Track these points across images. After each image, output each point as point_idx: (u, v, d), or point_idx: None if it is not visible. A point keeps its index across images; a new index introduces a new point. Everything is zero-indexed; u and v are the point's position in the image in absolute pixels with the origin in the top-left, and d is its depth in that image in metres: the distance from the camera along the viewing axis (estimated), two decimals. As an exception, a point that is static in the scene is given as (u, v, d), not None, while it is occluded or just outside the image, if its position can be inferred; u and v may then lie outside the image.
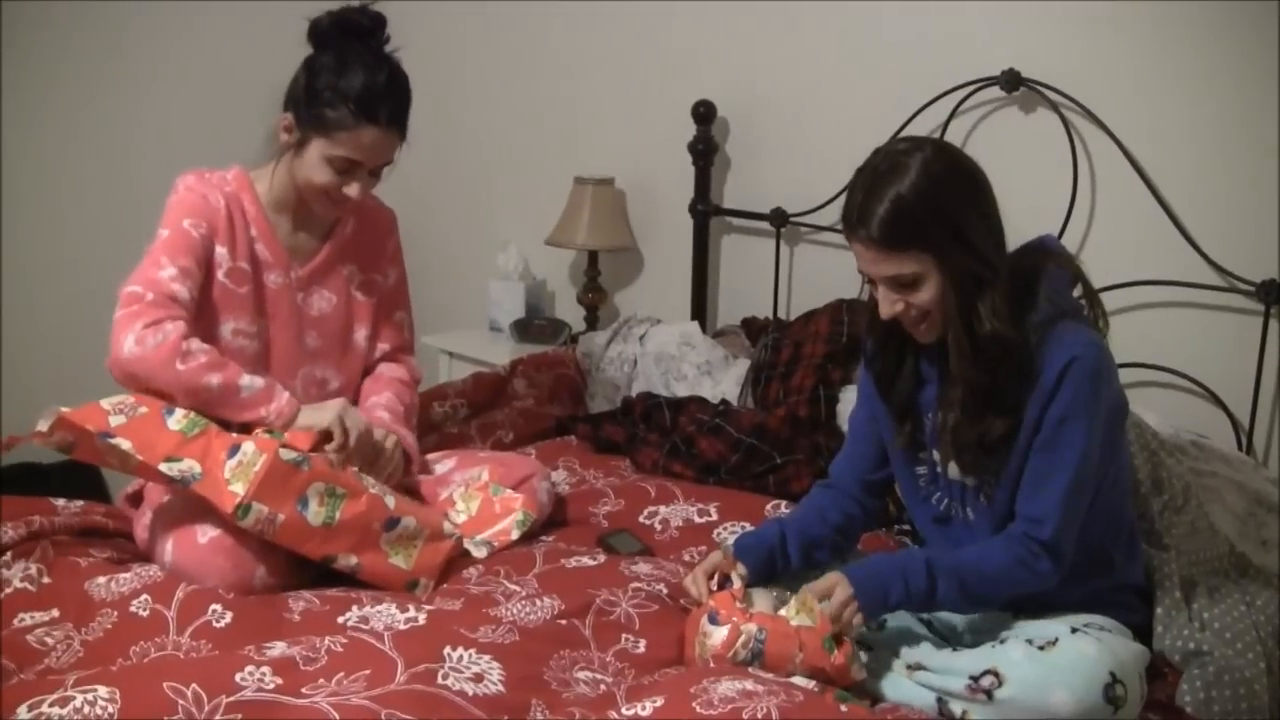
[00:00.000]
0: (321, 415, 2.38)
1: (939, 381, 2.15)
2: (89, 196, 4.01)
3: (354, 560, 2.26)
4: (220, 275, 2.47)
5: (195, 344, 2.33)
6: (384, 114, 2.41)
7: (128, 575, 2.22)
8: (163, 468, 2.20)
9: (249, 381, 2.35)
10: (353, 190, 2.46)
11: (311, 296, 2.59)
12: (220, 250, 2.47)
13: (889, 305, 2.06)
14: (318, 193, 2.48)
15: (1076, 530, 2.06)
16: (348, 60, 2.41)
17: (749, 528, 2.41)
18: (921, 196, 1.97)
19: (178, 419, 2.27)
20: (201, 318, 2.45)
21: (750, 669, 1.97)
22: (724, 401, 3.17)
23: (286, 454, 2.21)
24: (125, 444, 2.20)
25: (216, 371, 2.33)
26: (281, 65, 2.51)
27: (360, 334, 2.67)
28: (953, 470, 2.16)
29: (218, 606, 2.10)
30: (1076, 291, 2.16)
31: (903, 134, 3.19)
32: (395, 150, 2.50)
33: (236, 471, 2.19)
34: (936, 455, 2.18)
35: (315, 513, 2.22)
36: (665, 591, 2.26)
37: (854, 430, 2.36)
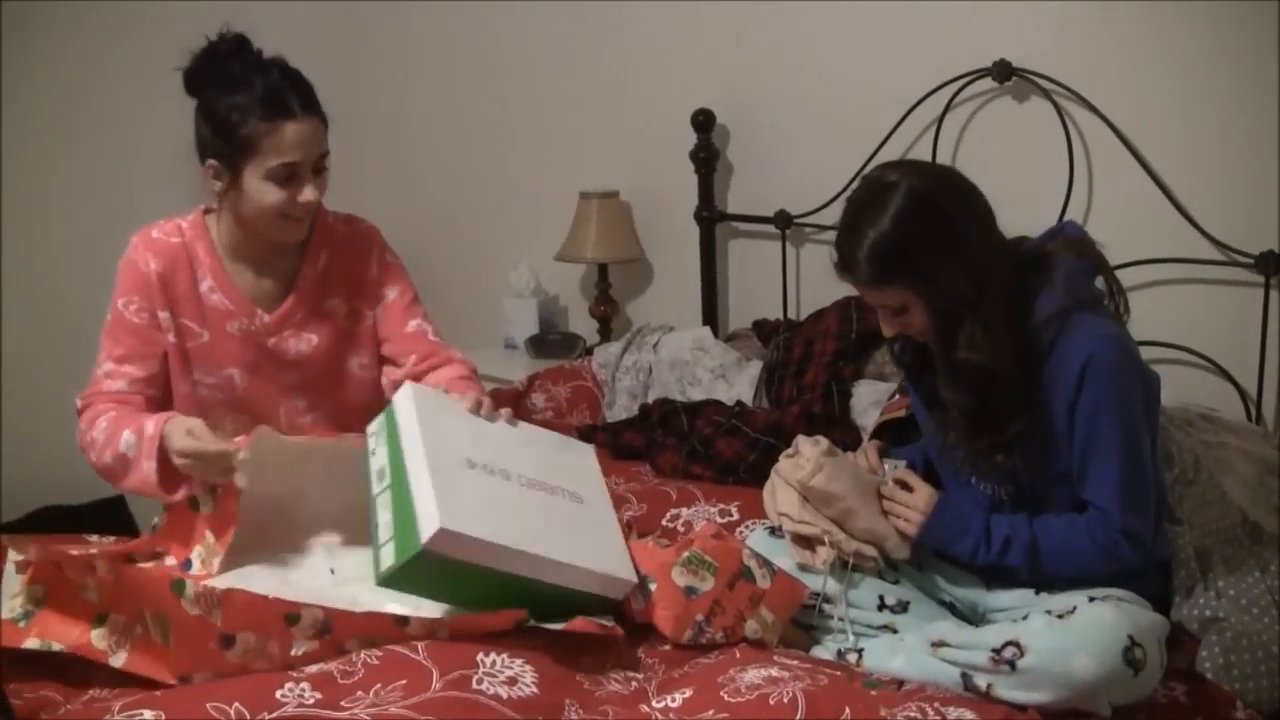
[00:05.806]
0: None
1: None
2: (90, 199, 3.98)
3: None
4: (170, 337, 2.47)
5: (96, 429, 2.37)
6: (294, 103, 2.33)
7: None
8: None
9: (126, 439, 2.34)
10: (308, 194, 2.36)
11: (286, 341, 2.52)
12: (162, 315, 2.46)
13: (887, 327, 2.18)
14: (274, 216, 2.38)
15: (1151, 511, 2.12)
16: (233, 77, 2.34)
17: (770, 524, 2.45)
18: (897, 237, 2.04)
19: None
20: (175, 377, 2.49)
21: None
22: (739, 403, 3.20)
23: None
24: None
25: (107, 448, 2.36)
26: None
27: (356, 362, 2.60)
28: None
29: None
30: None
31: (898, 131, 3.25)
32: (324, 137, 2.39)
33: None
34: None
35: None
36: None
37: (917, 411, 2.39)
